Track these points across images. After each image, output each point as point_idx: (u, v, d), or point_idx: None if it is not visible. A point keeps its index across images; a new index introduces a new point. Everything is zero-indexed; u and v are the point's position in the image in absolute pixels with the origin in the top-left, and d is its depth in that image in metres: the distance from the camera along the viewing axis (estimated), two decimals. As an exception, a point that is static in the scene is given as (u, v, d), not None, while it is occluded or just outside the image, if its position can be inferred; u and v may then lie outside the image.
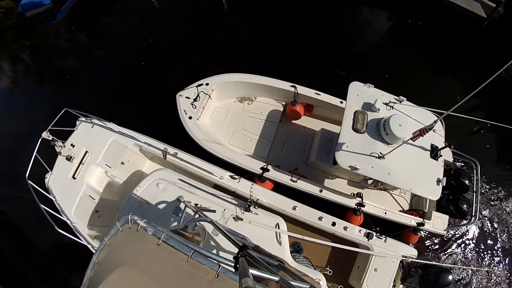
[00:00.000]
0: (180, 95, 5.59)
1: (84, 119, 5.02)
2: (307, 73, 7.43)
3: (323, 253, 5.42)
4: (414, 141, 4.07)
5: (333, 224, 4.94)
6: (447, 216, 5.45)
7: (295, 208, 4.94)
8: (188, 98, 5.58)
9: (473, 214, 5.47)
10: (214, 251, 3.41)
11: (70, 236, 4.28)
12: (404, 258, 4.87)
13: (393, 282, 4.79)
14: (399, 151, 4.24)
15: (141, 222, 1.91)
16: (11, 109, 7.77)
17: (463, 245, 6.36)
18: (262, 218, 4.29)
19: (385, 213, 5.27)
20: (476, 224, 6.36)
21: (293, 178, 5.16)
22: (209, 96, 5.76)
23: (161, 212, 4.16)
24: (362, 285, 4.73)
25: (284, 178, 5.19)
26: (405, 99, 4.93)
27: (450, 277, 4.80)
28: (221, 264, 1.69)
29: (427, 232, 5.91)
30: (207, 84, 5.75)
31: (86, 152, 4.84)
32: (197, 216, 3.53)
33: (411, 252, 4.94)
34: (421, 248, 6.00)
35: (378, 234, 4.98)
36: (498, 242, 6.47)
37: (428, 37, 8.79)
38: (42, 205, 4.24)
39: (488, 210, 6.67)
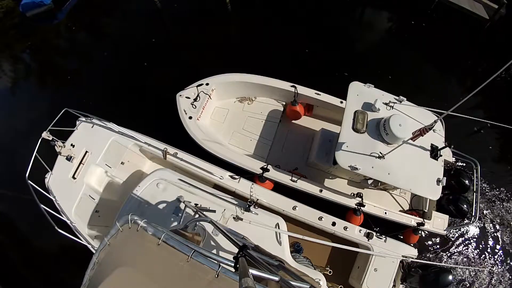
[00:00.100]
0: (180, 95, 5.59)
1: (84, 119, 5.02)
2: (307, 73, 7.43)
3: (323, 253, 5.42)
4: (414, 141, 4.08)
5: (333, 224, 4.95)
6: (447, 216, 5.46)
7: (295, 208, 4.94)
8: (188, 98, 5.58)
9: (473, 214, 5.47)
10: (214, 251, 3.41)
11: (70, 236, 4.29)
12: (404, 258, 4.88)
13: (393, 282, 4.79)
14: (399, 151, 4.24)
15: (141, 222, 1.91)
16: (11, 109, 7.78)
17: (463, 245, 6.36)
18: (262, 218, 4.29)
19: (385, 213, 5.27)
20: (476, 224, 6.35)
21: (293, 178, 5.16)
22: (209, 96, 5.76)
23: (161, 212, 4.16)
24: (362, 285, 4.74)
25: (284, 178, 5.19)
26: (405, 99, 4.93)
27: (450, 277, 4.81)
28: (221, 264, 1.69)
29: (427, 232, 5.91)
30: (207, 84, 5.75)
31: (86, 152, 4.84)
32: (197, 216, 3.54)
33: (411, 252, 4.95)
34: (421, 248, 6.01)
35: (378, 234, 4.99)
36: (498, 242, 6.46)
37: (430, 38, 8.78)
38: (42, 205, 4.25)
39: (488, 210, 6.67)
